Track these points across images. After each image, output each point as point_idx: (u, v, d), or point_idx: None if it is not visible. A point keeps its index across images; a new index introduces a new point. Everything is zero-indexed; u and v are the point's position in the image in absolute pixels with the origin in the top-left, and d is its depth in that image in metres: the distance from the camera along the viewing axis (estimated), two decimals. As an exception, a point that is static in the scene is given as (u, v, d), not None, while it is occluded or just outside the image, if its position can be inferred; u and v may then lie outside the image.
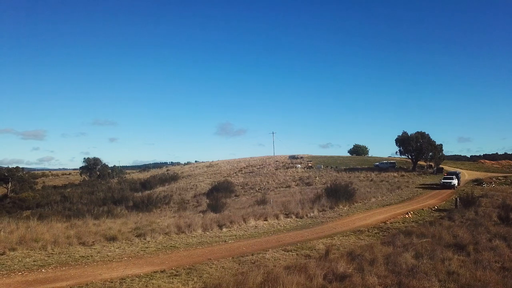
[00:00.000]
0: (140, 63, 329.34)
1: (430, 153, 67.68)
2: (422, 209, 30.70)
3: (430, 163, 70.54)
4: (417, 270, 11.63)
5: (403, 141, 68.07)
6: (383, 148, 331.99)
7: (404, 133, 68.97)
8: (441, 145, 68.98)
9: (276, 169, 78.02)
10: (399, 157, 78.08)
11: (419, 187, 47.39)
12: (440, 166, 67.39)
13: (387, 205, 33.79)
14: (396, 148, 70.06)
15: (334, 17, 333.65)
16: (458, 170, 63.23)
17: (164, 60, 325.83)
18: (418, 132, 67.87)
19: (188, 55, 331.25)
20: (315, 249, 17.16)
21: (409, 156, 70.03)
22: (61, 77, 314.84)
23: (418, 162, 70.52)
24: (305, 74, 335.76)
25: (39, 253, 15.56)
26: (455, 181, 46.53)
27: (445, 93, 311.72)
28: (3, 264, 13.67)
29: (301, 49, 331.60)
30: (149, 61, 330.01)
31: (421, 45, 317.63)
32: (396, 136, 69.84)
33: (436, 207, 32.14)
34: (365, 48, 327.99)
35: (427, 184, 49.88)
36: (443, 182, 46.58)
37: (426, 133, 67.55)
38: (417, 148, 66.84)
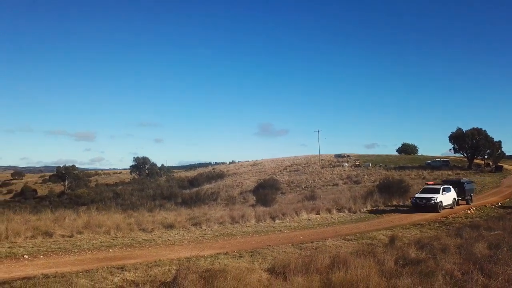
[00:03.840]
0: (181, 64, 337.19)
1: (488, 151, 63.81)
2: (485, 206, 28.97)
3: (488, 161, 66.53)
4: (497, 258, 10.81)
5: (457, 138, 64.55)
6: (434, 146, 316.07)
7: (459, 129, 65.33)
8: (499, 142, 64.95)
9: (322, 168, 76.83)
10: (453, 156, 74.25)
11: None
12: (499, 164, 63.31)
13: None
14: (450, 146, 66.60)
15: (389, 15, 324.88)
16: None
17: (205, 62, 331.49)
18: (474, 128, 63.97)
19: (229, 55, 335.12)
20: (376, 239, 16.58)
21: (464, 154, 66.16)
22: (107, 79, 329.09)
23: (474, 161, 66.71)
24: (345, 74, 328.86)
25: (104, 237, 16.18)
26: (441, 198, 26.54)
27: (499, 87, 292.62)
28: (74, 244, 14.33)
29: (345, 49, 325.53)
30: (190, 63, 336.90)
31: (470, 38, 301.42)
32: (450, 133, 66.53)
33: (499, 203, 30.24)
34: (413, 44, 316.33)
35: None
36: (415, 199, 27.18)
37: (483, 129, 63.82)
38: (473, 145, 63.03)
